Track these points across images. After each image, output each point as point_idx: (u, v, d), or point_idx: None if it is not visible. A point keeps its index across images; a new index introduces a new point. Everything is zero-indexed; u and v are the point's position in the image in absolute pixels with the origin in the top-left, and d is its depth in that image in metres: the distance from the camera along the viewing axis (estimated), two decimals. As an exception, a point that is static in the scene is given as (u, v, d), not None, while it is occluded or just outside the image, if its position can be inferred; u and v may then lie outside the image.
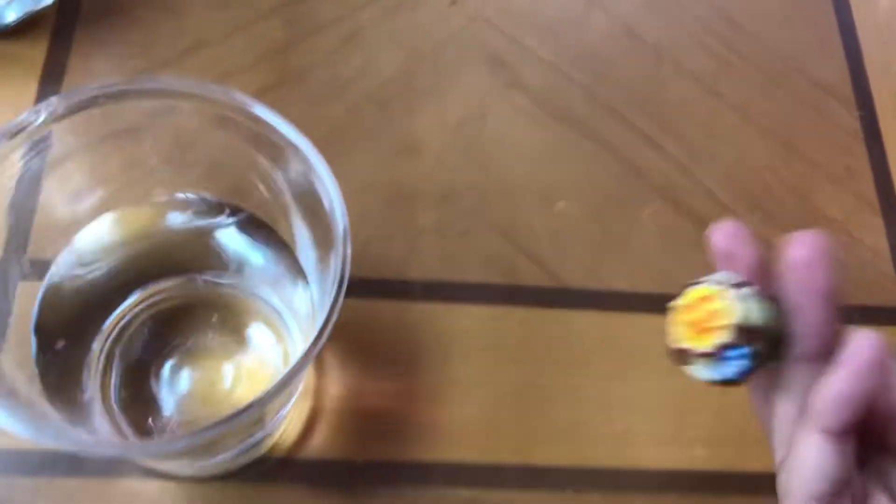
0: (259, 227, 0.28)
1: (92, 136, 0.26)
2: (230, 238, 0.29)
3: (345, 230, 0.23)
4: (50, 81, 0.35)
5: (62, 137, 0.25)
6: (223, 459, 0.29)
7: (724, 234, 0.23)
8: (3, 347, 0.24)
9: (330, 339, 0.32)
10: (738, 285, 0.21)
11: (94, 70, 0.36)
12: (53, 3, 0.37)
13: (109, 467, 0.30)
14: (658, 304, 0.35)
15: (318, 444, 0.31)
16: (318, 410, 0.31)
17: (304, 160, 0.24)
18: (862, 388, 0.20)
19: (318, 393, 0.31)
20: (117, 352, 0.29)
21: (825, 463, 0.21)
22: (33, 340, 0.26)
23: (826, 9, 0.43)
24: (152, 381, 0.29)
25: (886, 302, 0.36)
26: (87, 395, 0.28)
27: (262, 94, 0.27)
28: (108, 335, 0.28)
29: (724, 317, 0.21)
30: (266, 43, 0.38)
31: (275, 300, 0.29)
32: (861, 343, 0.20)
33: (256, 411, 0.22)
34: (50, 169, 0.25)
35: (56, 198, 0.26)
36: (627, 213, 0.37)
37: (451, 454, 0.31)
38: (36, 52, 0.36)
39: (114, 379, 0.28)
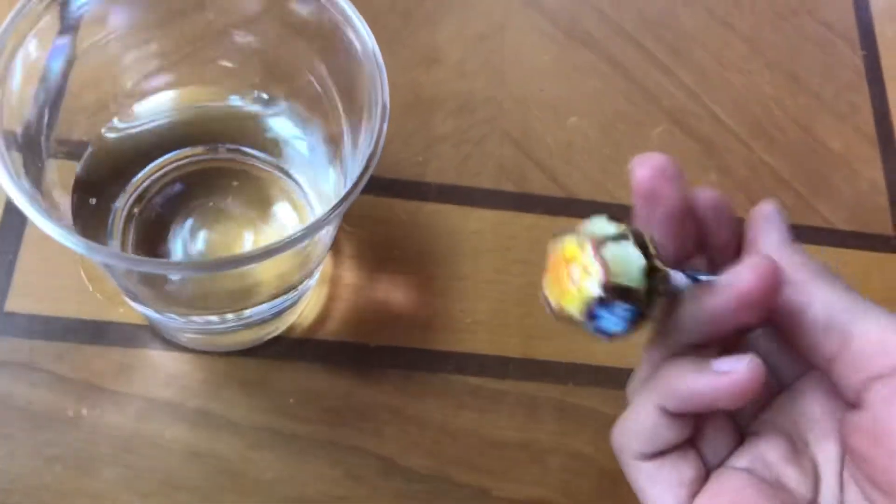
0: (303, 115, 0.29)
1: (141, 20, 0.26)
2: (276, 123, 0.30)
3: (384, 104, 0.24)
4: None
5: (114, 18, 0.26)
6: (242, 324, 0.30)
7: (649, 169, 0.21)
8: (46, 195, 0.25)
9: (347, 231, 0.33)
10: (616, 238, 0.20)
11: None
12: None
13: (130, 337, 0.31)
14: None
15: (334, 327, 0.32)
16: (334, 297, 0.32)
17: (347, 20, 0.25)
18: (713, 395, 0.20)
19: (334, 280, 0.33)
20: (136, 211, 0.29)
21: (656, 431, 0.21)
22: (72, 196, 0.26)
23: (837, -48, 0.44)
24: (169, 242, 0.29)
25: (881, 230, 0.38)
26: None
27: None
28: (131, 194, 0.29)
29: (586, 277, 0.20)
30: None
31: (303, 180, 0.30)
32: (727, 364, 0.20)
33: (272, 256, 0.22)
34: (101, 38, 0.26)
35: (106, 71, 0.27)
36: (637, 132, 0.38)
37: (459, 345, 0.32)
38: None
39: (132, 237, 0.29)
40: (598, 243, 0.20)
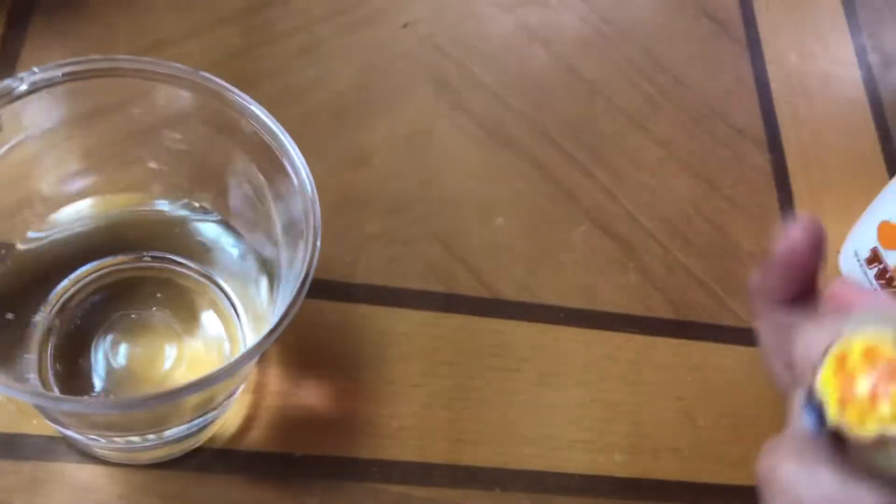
0: (239, 220, 0.29)
1: (73, 116, 0.26)
2: (203, 228, 0.30)
3: (316, 225, 0.24)
4: (2, 68, 0.36)
5: (42, 113, 0.25)
6: (161, 443, 0.29)
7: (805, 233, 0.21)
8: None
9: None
10: None
11: (49, 59, 0.36)
12: (10, -9, 0.37)
13: (44, 450, 0.30)
14: (584, 318, 0.37)
15: (257, 436, 0.31)
16: (258, 405, 0.32)
17: (280, 146, 0.25)
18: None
19: (259, 387, 0.32)
20: (57, 323, 0.29)
21: None
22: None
23: (743, 61, 0.47)
24: (91, 355, 0.29)
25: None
26: (26, 368, 0.28)
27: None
28: (52, 307, 0.29)
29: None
30: (223, 48, 0.39)
31: (230, 289, 0.30)
32: None
33: (203, 388, 0.22)
34: (29, 144, 0.26)
35: (36, 173, 0.27)
36: (559, 232, 0.39)
37: (385, 452, 0.32)
38: (-11, 37, 0.36)
39: (51, 350, 0.28)
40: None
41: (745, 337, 0.39)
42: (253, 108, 0.25)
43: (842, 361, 0.17)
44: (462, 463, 0.33)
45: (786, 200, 0.43)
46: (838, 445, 0.17)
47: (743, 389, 0.37)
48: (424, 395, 0.34)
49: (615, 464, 0.34)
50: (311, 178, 0.25)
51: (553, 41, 0.44)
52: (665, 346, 0.37)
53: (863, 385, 0.16)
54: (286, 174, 0.25)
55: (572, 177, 0.41)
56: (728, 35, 0.47)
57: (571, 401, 0.35)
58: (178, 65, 0.25)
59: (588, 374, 0.36)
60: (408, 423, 0.33)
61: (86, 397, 0.24)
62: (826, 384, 0.17)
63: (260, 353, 0.23)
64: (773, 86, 0.46)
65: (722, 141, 0.44)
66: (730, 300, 0.40)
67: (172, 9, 0.39)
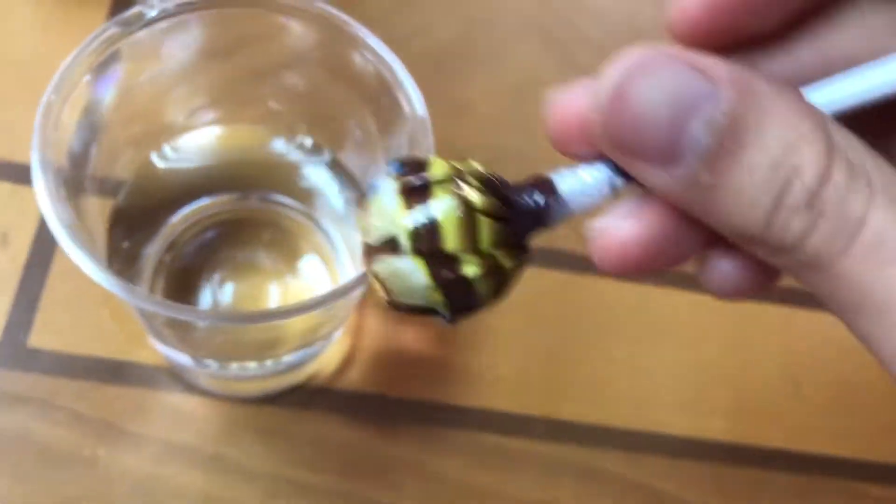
0: (344, 170, 0.29)
1: (198, 50, 0.26)
2: (313, 172, 0.30)
3: (427, 143, 0.24)
4: (120, 6, 0.36)
5: (162, 46, 0.26)
6: (263, 373, 0.29)
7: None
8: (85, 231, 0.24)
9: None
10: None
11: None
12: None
13: (150, 379, 0.31)
14: (688, 280, 0.36)
15: (355, 377, 0.32)
16: (356, 347, 0.32)
17: (394, 75, 0.25)
18: None
19: (357, 330, 0.32)
20: (167, 259, 0.29)
21: None
22: (107, 236, 0.26)
23: None
24: (198, 292, 0.29)
25: None
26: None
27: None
28: (162, 243, 0.29)
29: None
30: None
31: (335, 234, 0.30)
32: None
33: (312, 310, 0.22)
34: (152, 75, 0.26)
35: (154, 108, 0.27)
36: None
37: (481, 400, 0.32)
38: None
39: (161, 285, 0.29)
40: (371, 252, 0.16)
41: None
42: (371, 41, 0.25)
43: None
44: (558, 417, 0.32)
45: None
46: None
47: (853, 359, 0.35)
48: (522, 347, 0.33)
49: (715, 428, 0.33)
50: (425, 108, 0.24)
51: (663, -3, 0.43)
52: (772, 311, 0.36)
53: None
54: (401, 110, 0.25)
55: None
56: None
57: (671, 361, 0.34)
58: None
59: (690, 335, 0.35)
60: (504, 373, 0.33)
61: (182, 305, 0.24)
62: None
63: (351, 291, 0.23)
64: None
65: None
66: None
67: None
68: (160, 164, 0.29)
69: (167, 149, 0.28)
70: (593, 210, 0.17)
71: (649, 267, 0.16)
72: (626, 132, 0.15)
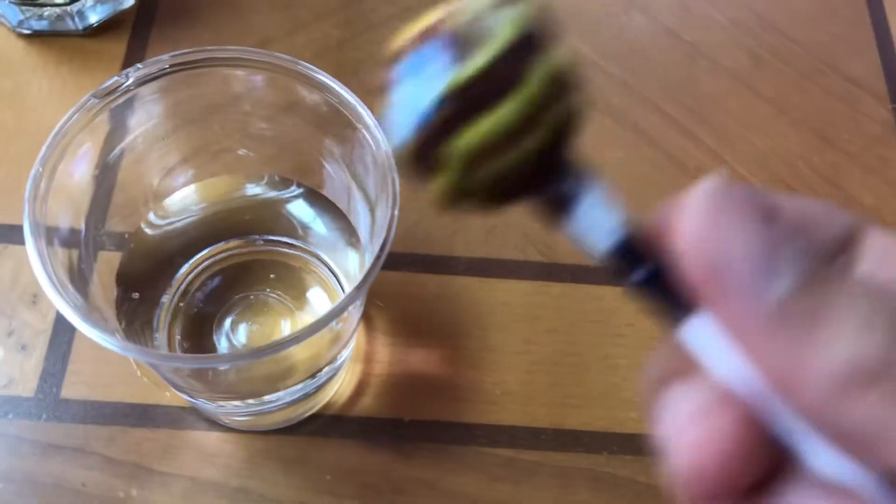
0: (321, 199, 0.31)
1: (172, 114, 0.28)
2: (295, 208, 0.32)
3: (395, 193, 0.25)
4: (128, 75, 0.39)
5: (144, 112, 0.28)
6: (280, 404, 0.31)
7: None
8: (91, 291, 0.27)
9: (380, 307, 0.34)
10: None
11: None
12: (133, 5, 0.40)
13: (176, 419, 0.32)
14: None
15: (368, 403, 0.33)
16: (367, 374, 0.34)
17: (359, 118, 0.26)
18: None
19: (368, 357, 0.34)
20: (183, 305, 0.31)
21: None
22: (115, 289, 0.28)
23: (859, 7, 0.45)
24: (213, 334, 0.31)
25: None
26: (156, 345, 0.30)
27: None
28: (176, 289, 0.31)
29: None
30: (323, 41, 0.41)
31: (331, 263, 0.32)
32: None
33: (310, 334, 0.24)
34: (135, 142, 0.28)
35: (141, 167, 0.29)
36: (663, 197, 0.38)
37: (491, 416, 0.33)
38: (116, 49, 0.40)
39: (178, 330, 0.31)
40: None
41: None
42: (327, 80, 0.27)
43: None
44: (567, 427, 0.33)
45: (910, 151, 0.41)
46: None
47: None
48: (527, 362, 0.34)
49: (727, 427, 0.33)
50: (387, 145, 0.26)
51: (651, 5, 0.44)
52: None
53: None
54: (365, 145, 0.26)
55: (676, 141, 0.40)
56: (840, -17, 0.45)
57: (678, 364, 0.35)
58: (252, 49, 0.27)
59: (695, 337, 0.35)
60: (511, 389, 0.34)
61: (203, 355, 0.26)
62: None
63: (343, 311, 0.24)
64: (894, 31, 0.44)
65: (836, 94, 0.42)
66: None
67: (275, 9, 0.41)
68: (151, 231, 0.31)
69: (153, 216, 0.31)
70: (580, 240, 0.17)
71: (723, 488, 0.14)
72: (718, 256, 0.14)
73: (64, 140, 0.25)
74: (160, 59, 0.26)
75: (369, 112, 0.26)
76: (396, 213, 0.26)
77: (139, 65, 0.26)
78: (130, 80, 0.26)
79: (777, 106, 0.41)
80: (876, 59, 0.43)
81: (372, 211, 0.28)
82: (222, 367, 0.27)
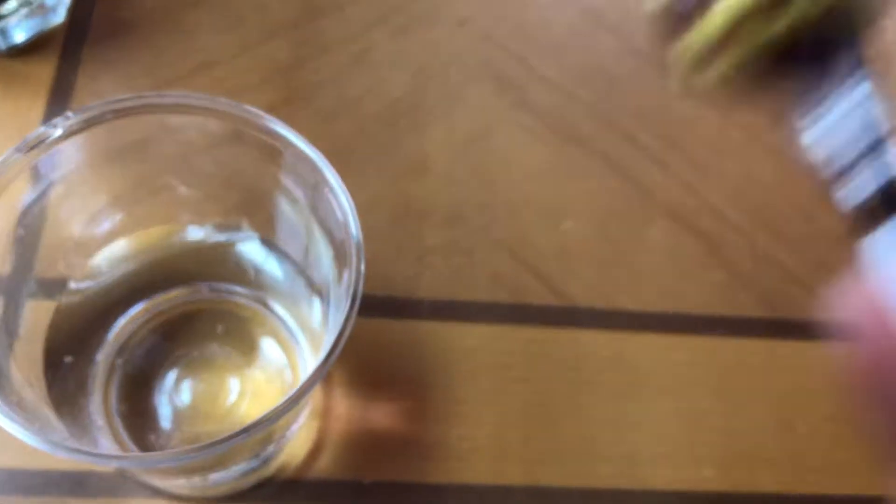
0: (278, 236, 0.28)
1: (104, 154, 0.26)
2: (246, 251, 0.29)
3: (358, 246, 0.23)
4: (57, 99, 0.36)
5: (74, 154, 0.25)
6: (228, 478, 0.28)
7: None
8: (10, 362, 0.24)
9: (338, 357, 0.32)
10: None
11: (101, 88, 0.36)
12: (62, 23, 0.37)
13: (113, 487, 0.29)
14: (666, 322, 0.35)
15: (326, 464, 0.31)
16: (325, 430, 0.31)
17: (317, 173, 0.24)
18: None
19: (325, 412, 0.31)
20: (119, 363, 0.28)
21: None
22: (41, 358, 0.25)
23: (831, 28, 0.43)
24: (154, 394, 0.28)
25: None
26: (90, 409, 0.28)
27: (269, 112, 0.27)
28: (112, 347, 0.28)
29: None
30: (273, 63, 0.38)
31: (285, 314, 0.29)
32: None
33: (261, 430, 0.22)
34: (61, 188, 0.25)
35: (68, 217, 0.26)
36: (634, 231, 0.37)
37: (459, 475, 0.31)
38: (44, 70, 0.36)
39: (115, 391, 0.28)
40: None
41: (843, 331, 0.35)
42: (288, 134, 0.24)
43: None
44: (540, 484, 0.31)
45: (885, 179, 0.39)
46: None
47: (846, 389, 0.34)
48: (496, 414, 0.32)
49: (705, 478, 0.32)
50: (350, 202, 0.23)
51: (620, 25, 0.42)
52: (756, 348, 0.35)
53: None
54: (325, 199, 0.24)
55: (646, 170, 0.38)
56: (811, 2, 0.44)
57: (654, 413, 0.33)
58: (208, 96, 0.24)
59: (671, 382, 0.34)
60: (480, 444, 0.31)
61: (141, 454, 0.23)
62: None
63: (312, 388, 0.22)
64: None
65: (810, 119, 0.40)
66: (826, 292, 0.36)
67: (220, 28, 0.38)
68: (82, 284, 0.28)
69: (84, 266, 0.28)
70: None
71: None
72: None
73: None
74: (92, 107, 0.23)
75: (329, 167, 0.24)
76: (363, 267, 0.24)
77: (69, 113, 0.23)
78: (59, 132, 0.23)
79: (751, 132, 0.40)
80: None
81: (337, 254, 0.25)
82: (169, 465, 0.25)
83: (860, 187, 0.16)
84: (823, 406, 0.34)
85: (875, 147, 0.16)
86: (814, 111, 0.16)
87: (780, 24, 0.16)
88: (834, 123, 0.16)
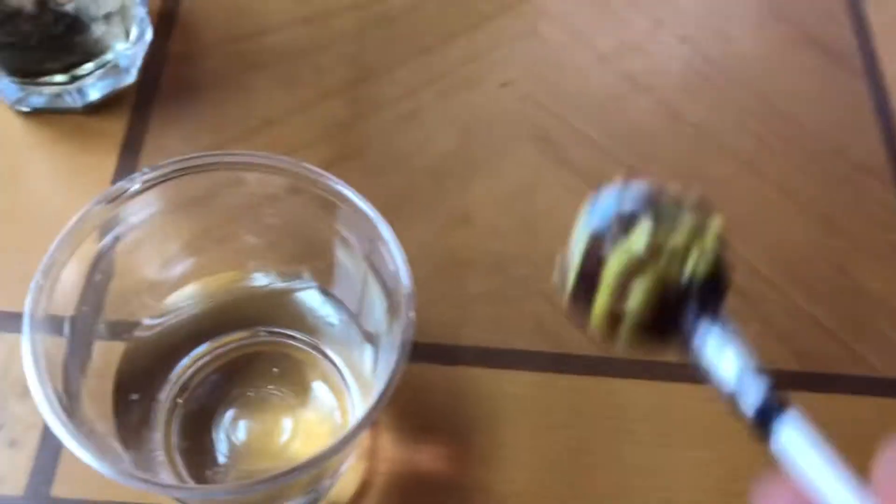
0: (334, 287, 0.30)
1: (176, 205, 0.28)
2: (305, 299, 0.31)
3: (408, 296, 0.25)
4: (128, 153, 0.38)
5: (148, 206, 0.27)
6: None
7: None
8: (83, 397, 0.25)
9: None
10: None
11: (168, 144, 0.39)
12: (134, 83, 0.40)
13: (172, 521, 0.31)
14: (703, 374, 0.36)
15: (372, 503, 0.32)
16: (371, 471, 0.32)
17: (372, 227, 0.26)
18: None
19: (372, 453, 0.33)
20: (181, 402, 0.30)
21: None
22: (111, 394, 0.27)
23: (860, 90, 0.45)
24: (212, 431, 0.30)
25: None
26: (153, 444, 0.29)
27: (325, 167, 0.29)
28: (174, 386, 0.30)
29: None
30: (328, 121, 0.40)
31: (338, 358, 0.31)
32: None
33: (314, 468, 0.23)
34: (134, 236, 0.27)
35: (141, 262, 0.28)
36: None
37: (500, 517, 0.32)
38: (117, 127, 0.39)
39: (176, 427, 0.30)
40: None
41: (877, 387, 0.36)
42: (344, 190, 0.26)
43: None
44: (579, 529, 0.32)
45: (918, 238, 0.40)
46: None
47: (878, 443, 0.34)
48: (536, 459, 0.33)
49: (742, 528, 0.32)
50: (404, 259, 0.25)
51: (656, 87, 0.44)
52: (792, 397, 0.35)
53: None
54: (379, 251, 0.26)
55: (682, 226, 0.39)
56: (842, 66, 0.45)
57: (692, 462, 0.34)
58: (271, 155, 0.26)
59: (709, 433, 0.34)
60: (521, 488, 0.32)
61: (202, 485, 0.25)
62: None
63: (364, 430, 0.24)
64: (896, 115, 0.44)
65: (842, 178, 0.42)
66: (858, 347, 0.37)
67: (279, 89, 0.41)
68: (150, 327, 0.30)
69: (152, 310, 0.30)
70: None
71: None
72: None
73: (68, 247, 0.24)
74: (166, 164, 0.25)
75: (384, 221, 0.26)
76: (413, 316, 0.25)
77: (146, 168, 0.25)
78: (137, 186, 0.25)
79: (783, 190, 0.41)
80: (879, 143, 0.43)
81: (390, 304, 0.27)
82: (226, 498, 0.26)
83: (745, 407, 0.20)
84: (856, 459, 0.34)
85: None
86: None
87: (637, 297, 0.20)
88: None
